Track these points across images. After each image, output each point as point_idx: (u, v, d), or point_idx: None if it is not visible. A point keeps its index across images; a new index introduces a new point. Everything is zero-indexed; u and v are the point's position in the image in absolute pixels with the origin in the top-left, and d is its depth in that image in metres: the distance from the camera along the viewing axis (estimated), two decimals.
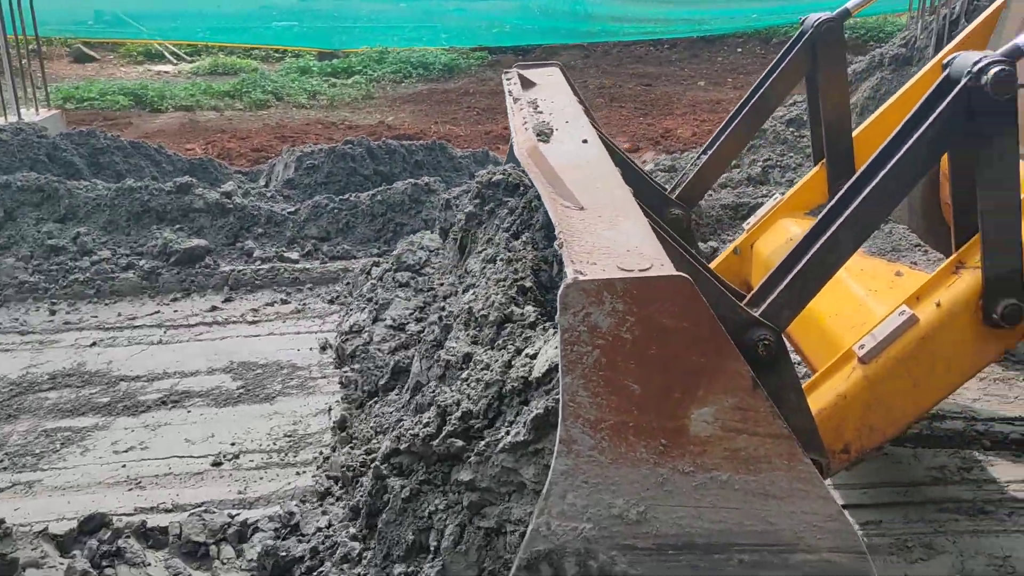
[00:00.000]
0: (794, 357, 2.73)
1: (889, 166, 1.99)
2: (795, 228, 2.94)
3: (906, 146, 1.99)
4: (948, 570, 2.48)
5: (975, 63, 1.93)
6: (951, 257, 2.16)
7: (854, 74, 7.46)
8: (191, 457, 3.14)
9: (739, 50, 12.62)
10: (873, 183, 2.00)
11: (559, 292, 1.41)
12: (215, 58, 12.09)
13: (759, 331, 1.94)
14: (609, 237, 1.59)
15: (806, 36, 2.88)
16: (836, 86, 2.86)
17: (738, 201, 5.30)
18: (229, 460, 3.12)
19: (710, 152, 3.00)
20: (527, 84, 2.90)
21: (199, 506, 2.76)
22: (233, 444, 3.21)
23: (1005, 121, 1.95)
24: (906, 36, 7.51)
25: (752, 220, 3.13)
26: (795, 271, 2.03)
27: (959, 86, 1.95)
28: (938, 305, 2.10)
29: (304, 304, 4.52)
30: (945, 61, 2.04)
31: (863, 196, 2.01)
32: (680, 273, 1.42)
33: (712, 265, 3.10)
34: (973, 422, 3.19)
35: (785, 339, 2.66)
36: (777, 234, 3.00)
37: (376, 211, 5.40)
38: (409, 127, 8.91)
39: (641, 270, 1.43)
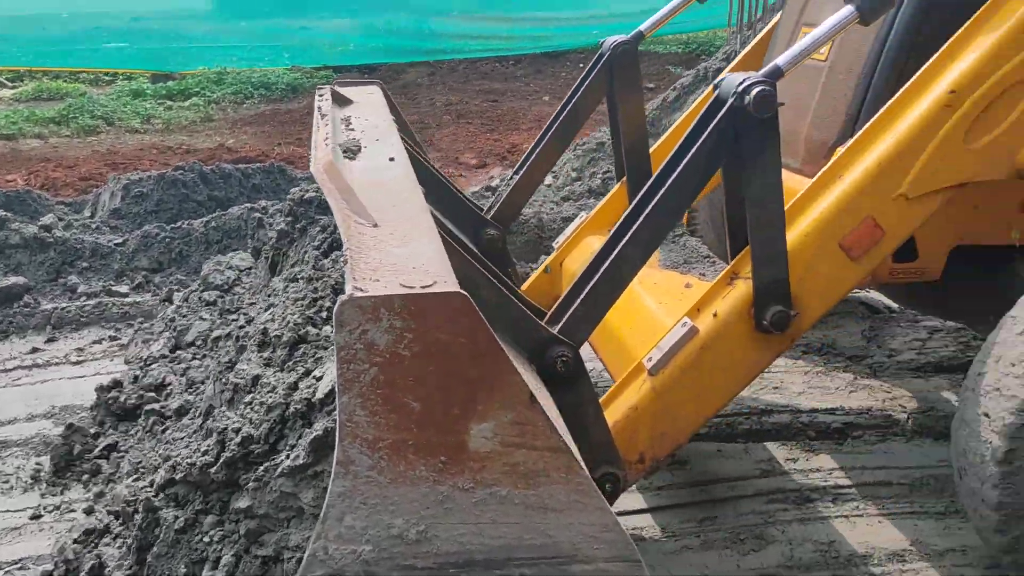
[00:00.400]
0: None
1: (667, 184, 2.11)
2: (598, 245, 3.03)
3: (682, 165, 2.11)
4: (778, 559, 2.61)
5: (739, 83, 2.07)
6: (726, 269, 2.29)
7: (682, 88, 7.81)
8: (8, 512, 2.96)
9: (581, 65, 12.98)
10: (654, 200, 2.12)
11: (335, 309, 1.41)
12: (39, 83, 11.43)
13: (558, 348, 2.00)
14: (399, 254, 1.59)
15: (604, 58, 3.01)
16: (633, 105, 3.00)
17: (580, 214, 5.46)
18: (50, 512, 2.96)
19: (522, 172, 3.09)
20: (343, 102, 2.89)
21: (15, 563, 2.61)
22: (55, 495, 3.06)
23: (767, 138, 2.08)
24: (727, 51, 7.92)
25: (561, 239, 3.23)
26: (588, 288, 2.12)
27: (726, 106, 2.09)
28: (715, 315, 2.22)
29: (135, 340, 4.35)
30: (716, 82, 2.19)
31: (646, 213, 2.12)
32: (458, 290, 1.44)
33: (525, 284, 3.19)
34: (798, 414, 3.38)
35: (594, 352, 2.78)
36: (583, 251, 3.11)
37: (211, 238, 5.26)
38: (251, 149, 8.71)
39: (423, 287, 1.44)
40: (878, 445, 3.21)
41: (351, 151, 2.29)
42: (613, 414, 2.25)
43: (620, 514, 2.81)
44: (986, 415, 2.09)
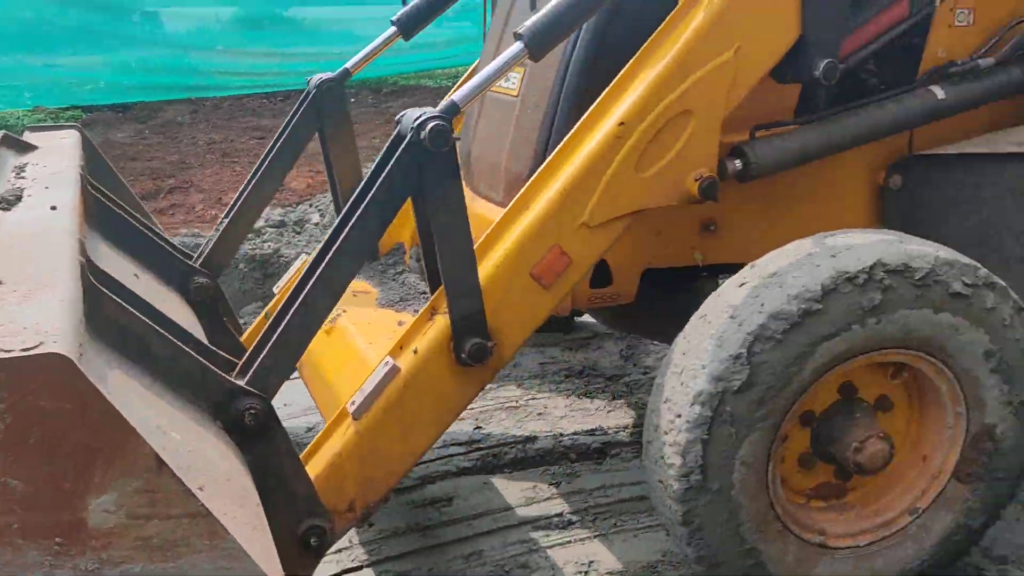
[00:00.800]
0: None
1: (350, 224, 2.07)
2: None
3: (364, 203, 2.08)
4: None
5: (416, 119, 2.07)
6: (426, 304, 2.27)
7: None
8: None
9: (352, 100, 12.92)
10: (338, 241, 2.08)
11: None
12: None
13: (246, 400, 1.92)
14: (12, 313, 1.43)
15: (311, 96, 2.96)
16: (343, 143, 2.97)
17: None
18: None
19: (231, 216, 2.96)
20: (25, 148, 2.67)
21: None
22: None
23: (446, 172, 2.09)
24: None
25: (281, 282, 3.14)
26: (274, 337, 2.04)
27: (405, 141, 2.08)
28: (415, 352, 2.19)
29: None
30: (397, 117, 2.18)
31: (330, 255, 2.07)
32: (58, 351, 1.29)
33: (247, 332, 3.06)
34: (561, 438, 3.42)
35: (313, 399, 2.69)
36: None
37: None
38: None
39: (23, 349, 1.28)
40: (634, 461, 3.29)
41: (7, 201, 2.10)
42: (318, 463, 2.17)
43: (384, 560, 2.76)
44: (660, 482, 2.19)
